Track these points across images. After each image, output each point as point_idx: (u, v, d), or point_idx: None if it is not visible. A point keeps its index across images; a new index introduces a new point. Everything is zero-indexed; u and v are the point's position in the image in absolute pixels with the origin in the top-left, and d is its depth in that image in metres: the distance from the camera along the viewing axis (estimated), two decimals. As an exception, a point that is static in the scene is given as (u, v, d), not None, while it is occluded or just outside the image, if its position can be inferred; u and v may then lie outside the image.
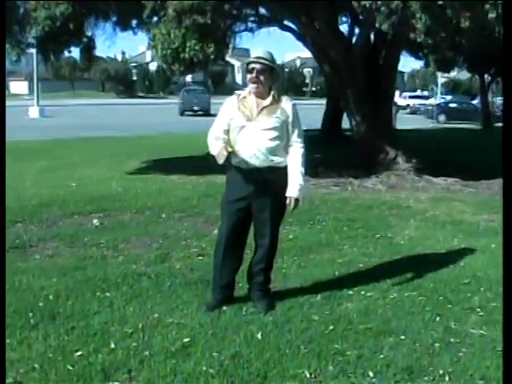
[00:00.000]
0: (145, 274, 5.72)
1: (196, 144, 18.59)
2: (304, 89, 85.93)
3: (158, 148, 17.96)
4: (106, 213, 8.49)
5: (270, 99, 4.69)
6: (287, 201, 4.68)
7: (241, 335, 4.32)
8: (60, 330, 4.37)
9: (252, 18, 18.32)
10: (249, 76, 4.66)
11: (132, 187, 10.52)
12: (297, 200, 4.69)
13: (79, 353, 4.02)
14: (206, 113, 41.01)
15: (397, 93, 68.24)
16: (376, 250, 6.72)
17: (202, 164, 13.87)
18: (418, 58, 24.23)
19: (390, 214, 8.71)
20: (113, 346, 4.14)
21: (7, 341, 4.15)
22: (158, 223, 7.98)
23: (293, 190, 4.68)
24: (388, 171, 12.04)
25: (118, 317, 4.64)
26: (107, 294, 5.14)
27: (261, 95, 4.70)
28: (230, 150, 4.51)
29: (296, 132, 4.78)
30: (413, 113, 49.82)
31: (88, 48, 12.72)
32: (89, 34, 12.57)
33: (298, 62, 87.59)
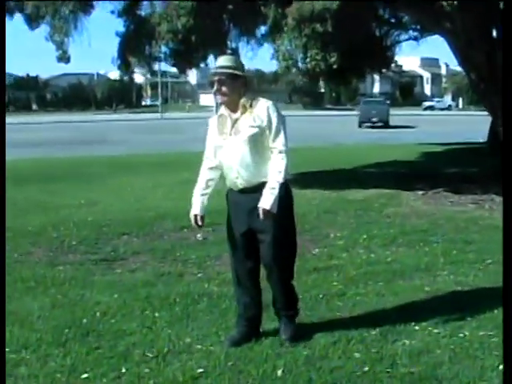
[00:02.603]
0: (208, 294, 5.52)
1: (355, 157, 18.19)
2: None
3: (312, 160, 17.48)
4: (215, 227, 8.35)
5: (240, 111, 4.21)
6: (259, 211, 4.12)
7: (260, 370, 3.96)
8: (83, 350, 4.29)
9: (413, 26, 17.63)
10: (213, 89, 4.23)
11: (257, 201, 10.36)
12: (268, 212, 4.11)
13: (86, 375, 3.92)
14: (385, 125, 39.94)
15: None
16: (476, 278, 5.98)
17: (345, 178, 13.57)
18: None
19: (519, 236, 7.76)
20: (124, 370, 3.99)
21: (27, 356, 4.16)
22: (260, 239, 7.73)
23: (265, 200, 4.11)
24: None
25: (149, 339, 4.49)
26: (156, 314, 5.00)
27: (232, 107, 4.24)
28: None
29: (273, 136, 4.18)
30: None
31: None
32: (232, 45, 12.67)
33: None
